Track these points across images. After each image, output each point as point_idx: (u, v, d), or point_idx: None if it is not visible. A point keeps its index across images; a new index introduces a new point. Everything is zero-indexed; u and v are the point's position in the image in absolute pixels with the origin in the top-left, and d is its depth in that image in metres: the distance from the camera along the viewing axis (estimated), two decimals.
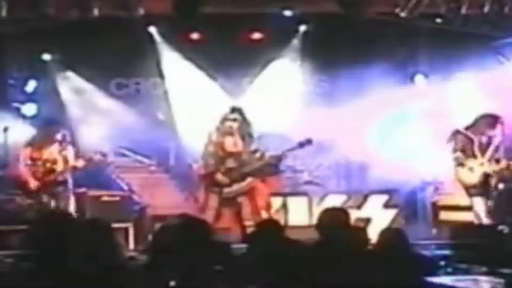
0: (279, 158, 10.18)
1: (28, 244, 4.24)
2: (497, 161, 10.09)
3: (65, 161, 10.09)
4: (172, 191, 11.81)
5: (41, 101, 12.15)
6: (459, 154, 10.16)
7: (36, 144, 10.19)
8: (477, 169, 10.12)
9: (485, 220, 9.96)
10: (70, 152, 10.17)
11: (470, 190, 10.20)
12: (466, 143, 10.17)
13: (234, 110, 10.23)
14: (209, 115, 10.74)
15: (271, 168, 10.24)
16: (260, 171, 10.04)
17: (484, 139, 10.17)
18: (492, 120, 10.18)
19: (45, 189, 10.05)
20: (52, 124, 10.42)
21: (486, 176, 10.12)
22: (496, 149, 10.13)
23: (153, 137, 11.93)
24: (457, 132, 10.23)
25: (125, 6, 11.11)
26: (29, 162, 10.09)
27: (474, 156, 10.14)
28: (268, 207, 10.11)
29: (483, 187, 10.16)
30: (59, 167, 10.06)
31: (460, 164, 10.15)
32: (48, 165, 10.07)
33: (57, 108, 12.19)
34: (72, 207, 10.02)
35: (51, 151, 10.12)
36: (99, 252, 5.00)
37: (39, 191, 10.04)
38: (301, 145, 10.12)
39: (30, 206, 10.06)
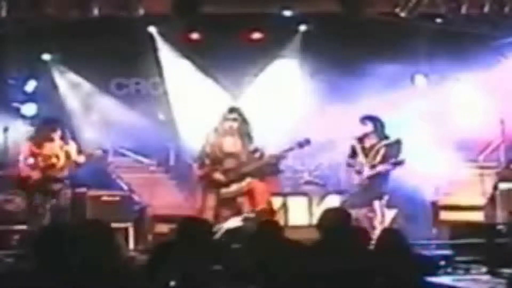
0: (278, 158, 10.19)
1: (28, 245, 4.24)
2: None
3: (67, 156, 10.05)
4: (172, 191, 11.80)
5: (41, 101, 12.15)
6: (349, 160, 10.00)
7: (36, 140, 10.15)
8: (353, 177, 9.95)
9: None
10: (72, 147, 10.15)
11: None
12: (352, 150, 9.96)
13: (232, 110, 10.23)
14: (209, 115, 10.74)
15: (270, 168, 10.23)
16: (259, 171, 10.04)
17: (367, 143, 9.89)
18: (368, 121, 9.92)
19: (44, 185, 10.01)
20: (51, 121, 10.39)
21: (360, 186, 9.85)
22: (378, 153, 9.77)
23: (153, 137, 11.93)
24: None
25: (125, 6, 11.10)
26: (29, 157, 10.05)
27: (359, 162, 9.89)
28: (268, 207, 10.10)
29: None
30: (61, 162, 10.03)
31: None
32: (49, 159, 10.02)
33: (57, 108, 12.19)
34: (70, 206, 9.99)
35: (52, 146, 10.08)
36: (99, 253, 5.00)
37: (39, 187, 9.99)
38: (300, 145, 10.13)
39: (28, 207, 10.04)
